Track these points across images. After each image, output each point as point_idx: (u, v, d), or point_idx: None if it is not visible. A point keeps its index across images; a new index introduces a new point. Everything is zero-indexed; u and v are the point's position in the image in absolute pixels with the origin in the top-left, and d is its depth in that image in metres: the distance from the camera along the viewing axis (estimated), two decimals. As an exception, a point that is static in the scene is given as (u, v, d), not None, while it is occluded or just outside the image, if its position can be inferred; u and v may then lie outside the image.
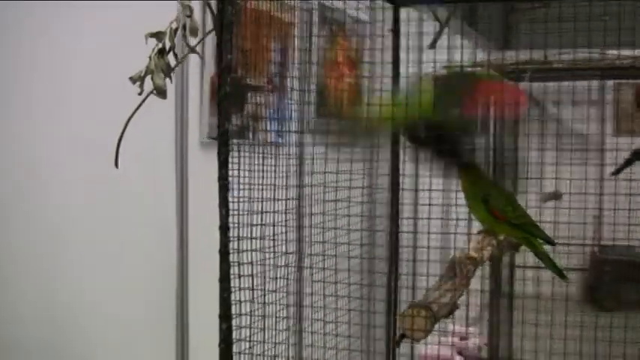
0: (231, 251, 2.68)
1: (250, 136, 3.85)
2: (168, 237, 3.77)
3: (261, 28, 3.26)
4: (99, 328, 3.57)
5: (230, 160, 2.63)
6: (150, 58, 2.79)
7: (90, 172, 3.46)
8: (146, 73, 2.78)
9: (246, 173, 2.82)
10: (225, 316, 2.68)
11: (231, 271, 2.68)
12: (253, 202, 2.82)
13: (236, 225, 2.69)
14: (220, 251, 2.67)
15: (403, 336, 2.62)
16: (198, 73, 3.85)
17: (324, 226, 3.39)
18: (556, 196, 4.56)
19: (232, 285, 2.69)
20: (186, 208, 3.80)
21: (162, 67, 2.80)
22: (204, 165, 3.78)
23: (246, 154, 2.81)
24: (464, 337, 4.87)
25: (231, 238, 2.68)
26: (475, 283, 4.32)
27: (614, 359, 4.40)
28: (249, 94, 3.89)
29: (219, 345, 2.69)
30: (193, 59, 3.62)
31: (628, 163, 4.39)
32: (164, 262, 3.78)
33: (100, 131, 3.20)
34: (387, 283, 3.65)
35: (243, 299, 2.74)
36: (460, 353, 4.95)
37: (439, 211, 3.61)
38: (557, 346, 4.47)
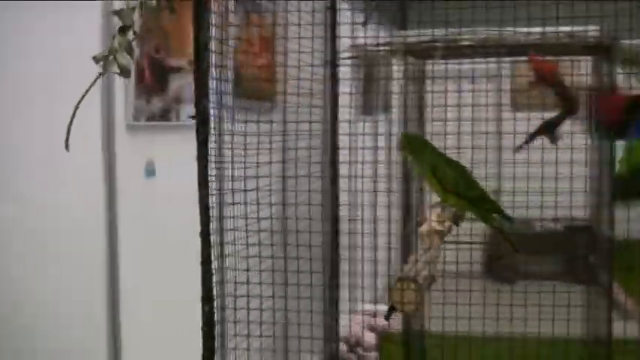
0: (212, 232, 2.63)
1: (174, 117, 3.78)
2: (97, 221, 3.63)
3: (181, 8, 3.20)
4: (25, 315, 3.41)
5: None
6: (113, 36, 2.71)
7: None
8: (110, 53, 2.70)
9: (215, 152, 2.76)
10: (207, 298, 2.64)
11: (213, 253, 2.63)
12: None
13: (214, 205, 2.64)
14: (202, 232, 2.61)
15: (393, 309, 2.65)
16: (123, 54, 3.72)
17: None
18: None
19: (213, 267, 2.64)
20: (114, 191, 3.68)
21: (125, 45, 2.72)
22: (130, 148, 3.68)
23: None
24: (373, 314, 4.93)
25: (212, 219, 2.62)
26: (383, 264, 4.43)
27: (515, 320, 4.57)
28: (171, 76, 3.82)
29: (202, 328, 2.64)
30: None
31: (532, 137, 4.55)
32: (92, 246, 3.65)
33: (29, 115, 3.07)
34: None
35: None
36: (372, 330, 5.02)
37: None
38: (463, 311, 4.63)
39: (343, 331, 4.89)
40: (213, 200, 2.61)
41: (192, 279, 3.77)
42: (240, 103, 4.15)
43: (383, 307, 5.63)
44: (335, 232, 3.63)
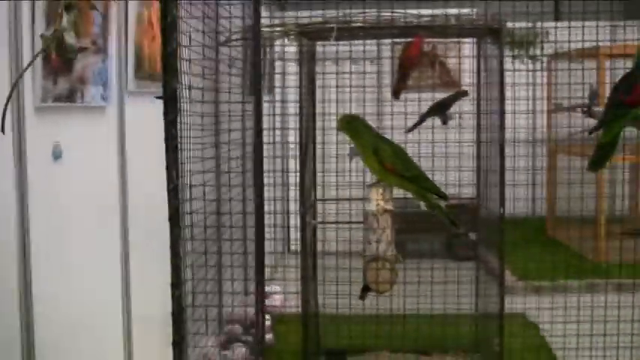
0: (181, 214, 2.53)
1: (79, 98, 3.61)
2: (6, 202, 3.41)
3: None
4: None
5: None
6: (61, 15, 2.57)
7: None
8: (58, 32, 2.56)
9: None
10: (176, 283, 2.54)
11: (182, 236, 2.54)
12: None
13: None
14: (170, 216, 2.51)
15: (367, 289, 2.63)
16: (29, 34, 3.51)
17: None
18: (356, 152, 4.72)
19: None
20: (24, 173, 3.47)
21: (70, 24, 2.59)
22: (38, 129, 3.48)
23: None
24: (266, 295, 4.88)
25: (181, 201, 2.53)
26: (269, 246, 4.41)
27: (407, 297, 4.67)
28: (76, 56, 3.63)
29: (172, 313, 2.54)
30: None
31: (424, 118, 4.65)
32: (2, 228, 3.43)
33: None
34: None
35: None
36: (265, 311, 4.96)
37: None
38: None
39: (237, 313, 4.83)
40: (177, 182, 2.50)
41: (103, 259, 3.64)
42: (142, 85, 4.02)
43: (274, 288, 5.64)
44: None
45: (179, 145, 2.50)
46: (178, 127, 2.50)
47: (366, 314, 4.77)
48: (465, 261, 5.64)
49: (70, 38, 2.52)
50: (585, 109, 4.14)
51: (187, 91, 2.53)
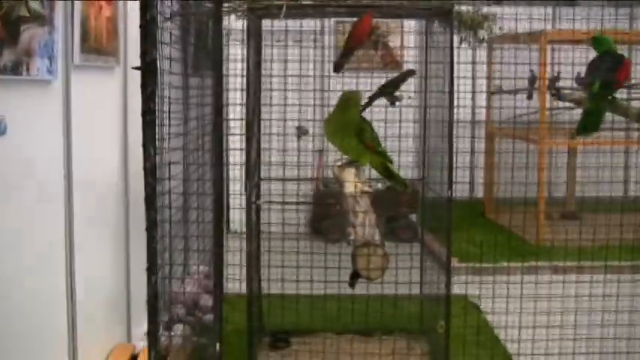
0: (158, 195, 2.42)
1: (24, 71, 3.45)
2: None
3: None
4: None
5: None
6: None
7: None
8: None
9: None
10: (152, 267, 2.43)
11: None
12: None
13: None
14: (147, 197, 2.39)
15: (357, 275, 2.53)
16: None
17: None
18: (304, 131, 4.66)
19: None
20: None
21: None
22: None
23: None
24: (207, 275, 4.78)
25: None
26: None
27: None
28: (22, 28, 3.47)
29: (148, 301, 2.43)
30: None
31: (373, 99, 4.59)
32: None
33: None
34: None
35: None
36: (207, 292, 4.86)
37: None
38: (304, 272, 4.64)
39: (180, 295, 4.70)
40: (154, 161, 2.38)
41: (47, 237, 3.49)
42: (88, 59, 3.87)
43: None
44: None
45: (157, 121, 2.38)
46: (156, 100, 2.38)
47: (313, 295, 4.71)
48: (407, 242, 5.63)
49: (33, 3, 2.38)
50: (554, 91, 4.17)
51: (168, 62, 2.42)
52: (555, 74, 6.29)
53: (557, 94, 4.10)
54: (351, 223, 2.67)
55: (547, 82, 5.74)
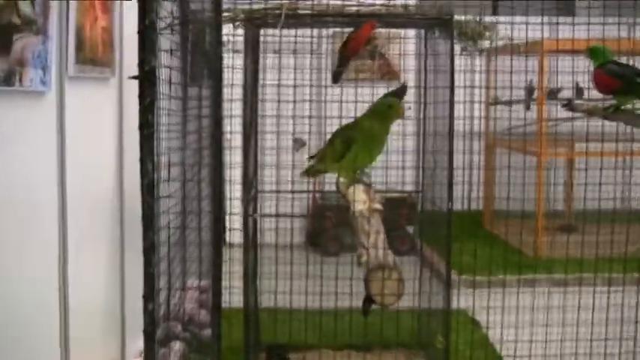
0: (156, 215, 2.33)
1: (17, 82, 3.38)
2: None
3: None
4: None
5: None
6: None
7: None
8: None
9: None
10: (150, 295, 2.33)
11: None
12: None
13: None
14: (144, 216, 2.31)
15: (371, 301, 2.40)
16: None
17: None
18: (302, 143, 4.60)
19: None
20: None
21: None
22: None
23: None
24: (204, 290, 4.70)
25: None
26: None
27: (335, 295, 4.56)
28: (14, 37, 3.40)
29: (144, 331, 2.34)
30: None
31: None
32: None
33: None
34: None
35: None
36: (202, 306, 4.79)
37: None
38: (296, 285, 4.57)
39: (174, 310, 4.62)
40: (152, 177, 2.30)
41: (40, 253, 3.41)
42: (83, 70, 3.79)
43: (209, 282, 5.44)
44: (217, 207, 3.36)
45: (155, 134, 2.29)
46: (155, 112, 2.29)
47: (308, 309, 4.64)
48: (404, 255, 5.56)
49: (25, 7, 2.31)
50: (565, 102, 4.10)
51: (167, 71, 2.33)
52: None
53: (569, 105, 4.03)
54: (361, 244, 2.55)
55: (547, 92, 5.69)
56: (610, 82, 3.75)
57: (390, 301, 2.34)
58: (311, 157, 3.67)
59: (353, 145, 3.11)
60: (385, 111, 3.20)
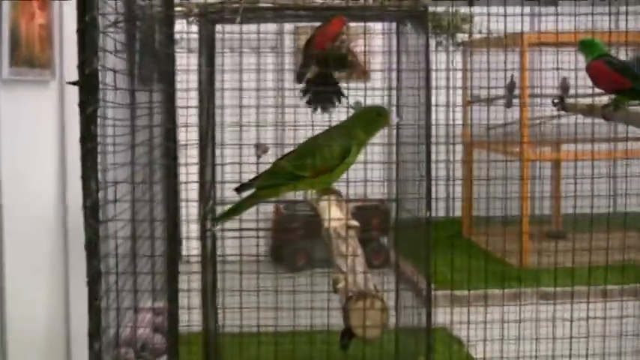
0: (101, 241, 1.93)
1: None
2: None
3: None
4: None
5: None
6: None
7: None
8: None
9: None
10: (96, 334, 1.94)
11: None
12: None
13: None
14: (88, 243, 1.91)
15: (350, 334, 2.03)
16: None
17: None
18: (265, 149, 4.25)
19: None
20: None
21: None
22: None
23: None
24: (159, 313, 4.27)
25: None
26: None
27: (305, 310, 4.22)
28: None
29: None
30: None
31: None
32: None
33: None
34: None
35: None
36: (157, 330, 4.37)
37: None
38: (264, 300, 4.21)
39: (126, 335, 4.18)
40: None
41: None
42: (19, 72, 3.35)
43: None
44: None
45: (99, 148, 1.89)
46: (98, 122, 1.89)
47: (275, 332, 4.24)
48: (378, 269, 5.18)
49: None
50: (556, 100, 3.81)
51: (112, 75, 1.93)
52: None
53: (561, 105, 3.75)
54: (338, 267, 2.17)
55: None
56: (619, 80, 3.53)
57: (373, 334, 1.96)
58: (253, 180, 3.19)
59: (349, 155, 2.79)
60: (374, 118, 2.87)
